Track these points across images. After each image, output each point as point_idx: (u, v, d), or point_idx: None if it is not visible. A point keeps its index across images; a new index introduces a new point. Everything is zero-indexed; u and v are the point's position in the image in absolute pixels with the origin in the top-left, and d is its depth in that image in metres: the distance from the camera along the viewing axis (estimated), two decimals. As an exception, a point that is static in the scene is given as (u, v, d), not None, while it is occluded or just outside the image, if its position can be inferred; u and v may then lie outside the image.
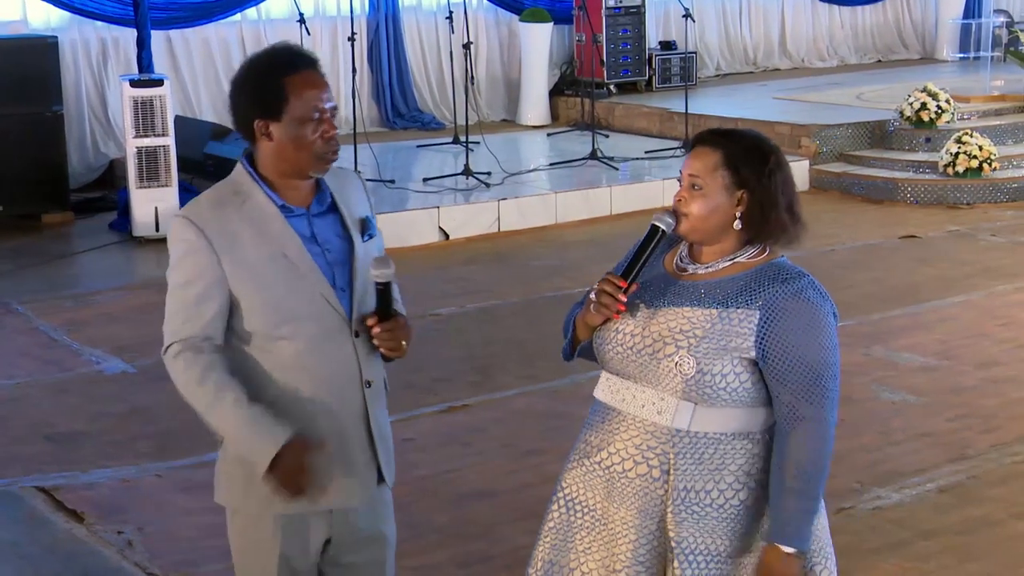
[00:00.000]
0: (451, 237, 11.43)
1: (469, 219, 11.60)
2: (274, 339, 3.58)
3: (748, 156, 3.48)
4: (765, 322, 3.39)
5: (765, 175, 3.47)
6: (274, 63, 3.59)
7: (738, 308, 3.42)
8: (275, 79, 3.55)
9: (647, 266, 3.55)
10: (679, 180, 3.53)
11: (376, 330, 3.62)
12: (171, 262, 3.63)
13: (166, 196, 11.35)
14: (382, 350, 3.67)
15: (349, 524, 3.75)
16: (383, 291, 3.60)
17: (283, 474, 3.50)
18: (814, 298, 3.44)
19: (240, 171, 3.66)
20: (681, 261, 3.58)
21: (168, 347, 3.60)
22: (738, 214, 3.46)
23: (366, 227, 3.74)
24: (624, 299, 3.49)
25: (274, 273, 3.56)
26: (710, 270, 3.51)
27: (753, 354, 3.40)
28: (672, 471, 3.45)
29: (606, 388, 3.60)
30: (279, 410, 3.56)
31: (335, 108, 3.61)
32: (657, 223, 3.52)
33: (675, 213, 3.51)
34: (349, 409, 3.68)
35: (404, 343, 3.66)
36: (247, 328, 3.59)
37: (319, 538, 3.73)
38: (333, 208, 3.71)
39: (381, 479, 3.78)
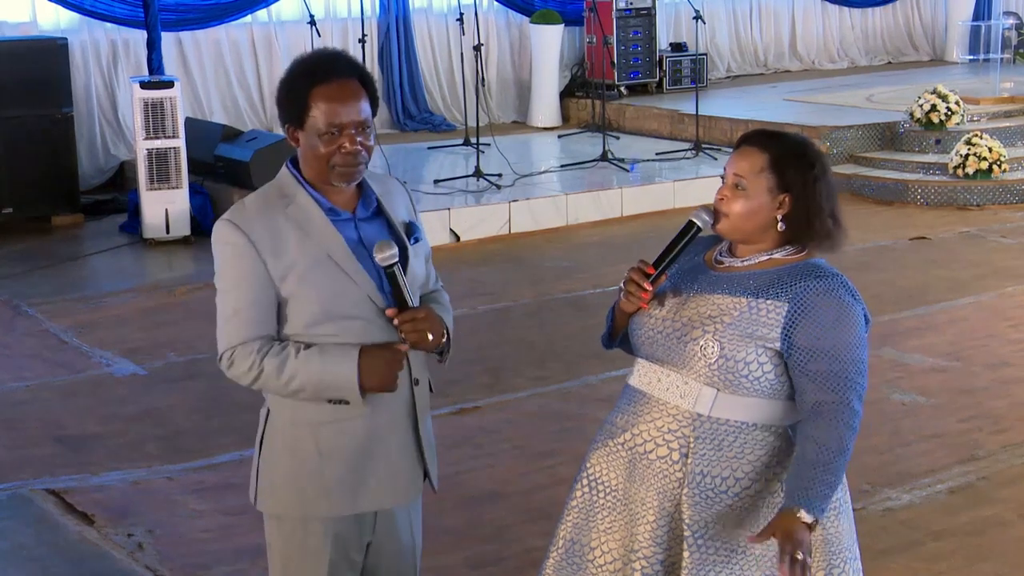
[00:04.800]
0: (462, 239, 11.42)
1: (480, 221, 11.60)
2: (320, 337, 3.53)
3: (795, 160, 3.52)
4: (793, 315, 3.42)
5: (810, 181, 3.51)
6: (307, 70, 3.54)
7: (768, 299, 3.45)
8: (302, 87, 3.51)
9: (681, 259, 3.60)
10: (722, 177, 3.57)
11: (396, 321, 3.54)
12: (216, 267, 3.58)
13: (176, 198, 11.37)
14: (408, 341, 3.57)
15: (390, 529, 3.73)
16: (391, 276, 3.53)
17: (377, 375, 3.49)
18: (845, 297, 3.47)
19: (285, 173, 3.62)
20: (720, 255, 3.63)
21: (222, 355, 3.57)
22: (779, 216, 3.51)
23: (411, 231, 3.72)
24: (649, 288, 3.52)
25: (320, 275, 3.51)
26: (746, 263, 3.56)
27: (778, 345, 3.42)
28: (691, 455, 3.48)
29: (637, 373, 3.63)
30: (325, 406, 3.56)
31: (362, 122, 3.52)
32: (694, 219, 3.58)
33: (715, 211, 3.54)
34: (396, 406, 3.63)
35: (430, 335, 3.58)
36: (294, 327, 3.55)
37: (364, 543, 3.69)
38: (379, 212, 3.68)
39: (427, 483, 3.77)
